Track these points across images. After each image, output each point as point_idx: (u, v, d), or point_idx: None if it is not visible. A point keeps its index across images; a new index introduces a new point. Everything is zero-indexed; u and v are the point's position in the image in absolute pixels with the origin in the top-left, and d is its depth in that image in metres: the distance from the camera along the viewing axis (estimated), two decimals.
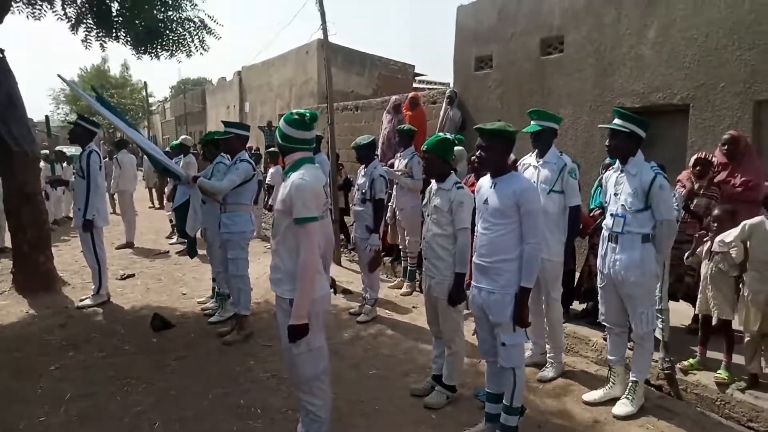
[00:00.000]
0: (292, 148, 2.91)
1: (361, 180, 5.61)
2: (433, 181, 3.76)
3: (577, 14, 6.89)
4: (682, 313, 4.81)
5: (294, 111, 2.98)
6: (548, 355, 4.33)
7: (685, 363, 4.06)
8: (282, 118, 2.96)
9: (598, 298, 3.92)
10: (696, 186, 4.64)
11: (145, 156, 6.26)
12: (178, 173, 5.29)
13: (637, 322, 3.62)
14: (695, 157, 4.68)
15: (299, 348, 2.84)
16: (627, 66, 6.35)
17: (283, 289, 2.87)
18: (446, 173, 3.65)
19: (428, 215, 3.74)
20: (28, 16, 6.31)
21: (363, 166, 5.65)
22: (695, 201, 4.59)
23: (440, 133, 3.82)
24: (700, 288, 4.02)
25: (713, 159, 4.65)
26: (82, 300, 6.08)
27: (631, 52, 6.30)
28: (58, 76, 5.86)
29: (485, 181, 3.28)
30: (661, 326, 4.15)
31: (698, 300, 4.06)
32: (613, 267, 3.60)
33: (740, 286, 3.81)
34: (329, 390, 3.08)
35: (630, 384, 3.74)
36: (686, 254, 4.17)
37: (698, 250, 4.06)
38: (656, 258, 3.56)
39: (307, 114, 2.94)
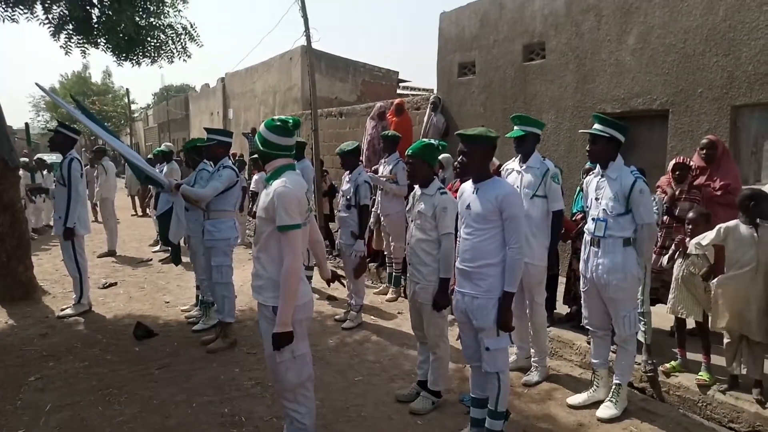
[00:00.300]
0: (274, 154, 2.89)
1: (345, 186, 5.61)
2: (416, 187, 3.77)
3: (558, 21, 6.98)
4: (664, 316, 4.85)
5: (276, 117, 2.95)
6: (533, 359, 4.36)
7: (668, 365, 4.10)
8: (263, 124, 2.93)
9: (581, 301, 3.96)
10: (677, 190, 4.70)
11: (126, 164, 6.20)
12: (160, 181, 5.25)
13: (619, 325, 3.65)
14: (673, 161, 4.74)
15: (283, 355, 2.83)
16: (607, 72, 6.44)
17: (266, 296, 2.85)
18: (430, 178, 3.67)
19: (412, 221, 3.75)
20: (4, 19, 6.22)
21: (347, 172, 5.65)
22: (678, 206, 4.65)
23: (424, 139, 3.84)
24: (671, 289, 4.07)
25: (691, 163, 4.72)
26: (63, 309, 5.99)
27: (611, 59, 6.39)
28: (36, 84, 5.78)
29: (467, 186, 3.29)
30: (643, 329, 4.19)
31: (669, 301, 4.10)
32: (595, 271, 3.64)
33: (711, 287, 3.85)
34: (314, 397, 3.06)
35: (613, 387, 3.77)
36: (665, 257, 4.21)
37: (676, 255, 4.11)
38: (638, 261, 3.61)
39: (290, 120, 2.92)
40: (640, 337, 4.22)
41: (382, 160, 6.75)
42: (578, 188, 5.29)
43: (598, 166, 3.73)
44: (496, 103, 7.92)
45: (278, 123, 2.88)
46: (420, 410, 3.76)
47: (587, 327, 3.93)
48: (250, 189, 9.44)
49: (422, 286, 3.65)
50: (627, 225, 3.54)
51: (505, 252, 3.07)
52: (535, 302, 4.26)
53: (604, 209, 3.59)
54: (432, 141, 3.76)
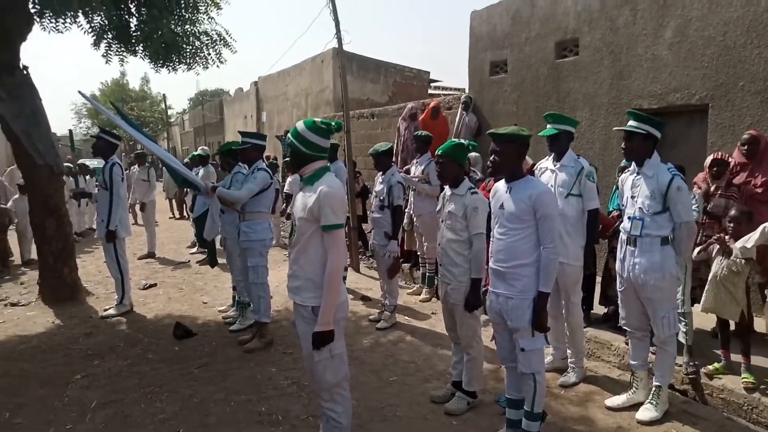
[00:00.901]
0: (313, 156, 2.86)
1: (378, 187, 5.64)
2: (446, 187, 3.76)
3: (592, 16, 6.87)
4: (706, 316, 4.73)
5: (316, 119, 2.94)
6: (570, 360, 4.30)
7: (710, 367, 4.00)
8: (303, 124, 2.88)
9: (618, 302, 3.89)
10: (713, 187, 4.58)
11: (164, 167, 6.35)
12: (197, 184, 5.37)
13: (658, 325, 3.57)
14: (711, 157, 4.63)
15: (321, 354, 2.83)
16: (643, 67, 6.31)
17: (304, 297, 2.85)
18: (460, 178, 3.66)
19: (442, 221, 3.74)
20: (49, 31, 6.47)
21: (380, 173, 5.68)
22: (712, 202, 4.54)
23: (455, 139, 3.83)
24: (707, 287, 3.96)
25: (730, 159, 4.59)
26: (106, 310, 6.18)
27: (647, 53, 6.25)
28: (79, 92, 5.97)
29: (501, 185, 3.27)
30: (684, 330, 4.10)
31: (703, 299, 3.98)
32: (632, 270, 3.57)
33: (765, 292, 3.75)
34: (350, 396, 3.08)
35: (653, 389, 3.69)
36: (698, 249, 4.10)
37: (710, 248, 4.00)
38: (677, 260, 3.53)
39: (333, 123, 2.93)
40: (681, 338, 4.13)
41: (414, 161, 6.75)
42: (614, 186, 5.19)
43: (633, 163, 3.66)
44: (528, 102, 7.84)
45: (321, 125, 2.87)
46: (455, 411, 3.76)
47: (625, 328, 3.85)
48: (284, 191, 9.56)
49: (454, 287, 3.64)
50: (664, 223, 3.46)
51: (540, 252, 3.04)
52: (571, 302, 4.21)
53: (640, 207, 3.51)
54: (462, 140, 3.74)
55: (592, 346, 4.78)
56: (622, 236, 3.69)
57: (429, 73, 18.08)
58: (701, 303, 4.01)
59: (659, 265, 3.46)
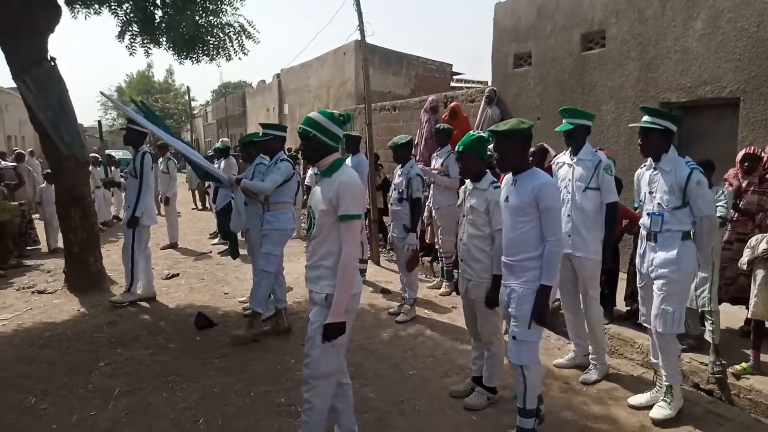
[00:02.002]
0: (333, 147, 2.87)
1: (398, 179, 5.63)
2: (468, 181, 3.71)
3: (619, 8, 6.72)
4: (733, 314, 4.63)
5: (334, 111, 2.94)
6: (591, 356, 4.24)
7: (737, 367, 3.90)
8: (320, 114, 2.87)
9: (638, 298, 3.81)
10: (745, 183, 4.46)
11: (186, 161, 6.39)
12: (219, 177, 5.38)
13: (659, 318, 3.46)
14: (743, 152, 4.51)
15: (323, 342, 2.81)
16: (672, 59, 6.16)
17: (322, 285, 2.84)
18: (482, 173, 3.61)
19: (464, 216, 3.69)
20: (77, 16, 6.56)
21: (399, 165, 5.66)
22: (745, 198, 4.42)
23: (474, 132, 3.79)
24: (756, 293, 3.85)
25: (763, 154, 4.46)
26: (112, 297, 6.25)
27: (676, 45, 6.10)
28: (101, 93, 6.02)
29: (508, 178, 3.24)
30: (711, 328, 4.02)
31: (752, 305, 3.89)
32: (651, 265, 3.53)
33: None
34: (330, 395, 2.97)
35: (665, 388, 3.61)
36: (744, 259, 3.99)
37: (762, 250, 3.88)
38: (697, 256, 3.47)
39: (345, 114, 2.94)
40: (708, 336, 4.06)
41: (435, 153, 6.71)
42: None
43: (650, 159, 3.59)
44: (553, 95, 7.72)
45: (340, 116, 2.87)
46: (475, 406, 3.73)
47: (645, 325, 3.78)
48: (305, 183, 9.60)
49: (475, 283, 3.61)
50: (685, 218, 3.42)
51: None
52: (589, 296, 4.14)
53: (659, 203, 3.46)
54: (482, 133, 3.68)
55: (614, 343, 4.70)
56: (642, 232, 3.64)
57: (451, 65, 17.95)
58: (750, 309, 3.92)
59: (676, 258, 3.40)
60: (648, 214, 3.55)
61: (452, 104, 8.80)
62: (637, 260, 3.70)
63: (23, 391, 4.05)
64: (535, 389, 3.16)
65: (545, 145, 5.30)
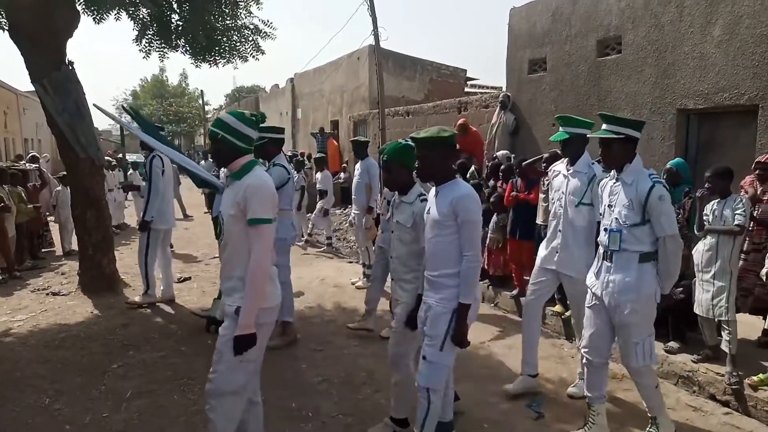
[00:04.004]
0: (245, 149, 2.73)
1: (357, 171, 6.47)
2: (395, 194, 3.44)
3: (636, 13, 6.68)
4: (751, 324, 4.56)
5: (246, 111, 2.82)
6: (579, 371, 4.04)
7: (755, 378, 3.83)
8: (230, 115, 2.75)
9: (583, 320, 3.47)
10: (760, 190, 4.40)
11: (183, 170, 6.22)
12: (215, 184, 5.31)
13: (630, 353, 3.18)
14: (756, 160, 4.45)
15: (234, 356, 2.63)
16: (689, 66, 6.10)
17: (235, 297, 2.67)
18: (410, 184, 3.33)
19: (391, 231, 3.43)
20: (96, 21, 6.63)
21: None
22: (760, 207, 4.35)
23: (401, 140, 3.52)
24: None
25: None
26: (128, 300, 6.30)
27: (694, 51, 6.05)
28: (95, 105, 5.90)
29: (434, 189, 3.00)
30: (728, 338, 3.96)
31: None
32: (605, 288, 3.21)
33: None
34: (238, 418, 2.81)
35: (650, 420, 3.37)
36: (765, 270, 3.91)
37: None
38: (657, 280, 3.13)
39: (258, 115, 2.84)
40: (725, 347, 4.00)
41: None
42: None
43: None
44: (568, 101, 7.68)
45: (252, 117, 2.75)
46: None
47: (582, 351, 3.43)
48: (318, 187, 9.61)
49: (401, 303, 3.32)
50: (644, 237, 3.09)
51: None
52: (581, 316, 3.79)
53: (617, 218, 3.15)
54: (409, 142, 3.32)
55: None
56: (600, 250, 3.33)
57: (466, 71, 17.93)
58: None
59: (634, 284, 3.09)
60: (605, 229, 3.23)
61: (460, 120, 8.75)
62: (590, 278, 3.38)
63: (38, 391, 4.10)
64: (436, 416, 2.94)
65: (558, 151, 5.25)
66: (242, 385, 2.73)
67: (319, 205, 9.57)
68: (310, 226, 10.47)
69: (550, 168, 4.28)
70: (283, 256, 4.98)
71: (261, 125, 5.26)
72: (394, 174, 3.30)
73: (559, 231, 3.87)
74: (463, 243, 2.78)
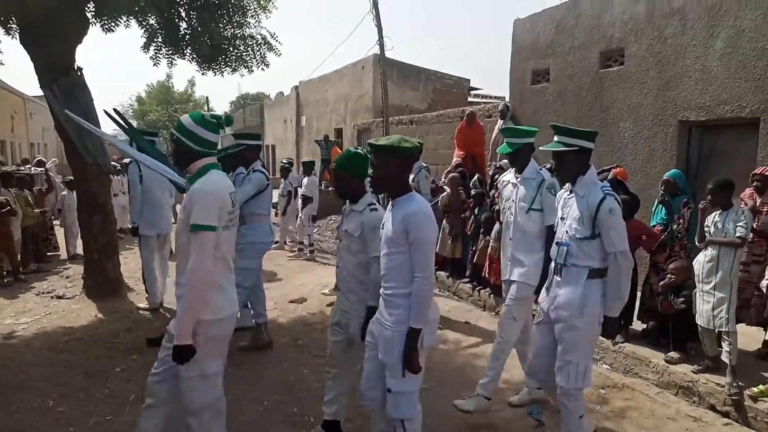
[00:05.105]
0: (202, 152, 2.67)
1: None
2: (347, 203, 3.33)
3: (639, 26, 6.74)
4: (751, 336, 4.58)
5: (203, 113, 2.76)
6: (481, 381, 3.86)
7: (755, 389, 3.85)
8: (189, 117, 2.69)
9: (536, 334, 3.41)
10: (758, 202, 4.43)
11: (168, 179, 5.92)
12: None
13: (562, 372, 3.02)
14: (753, 172, 4.50)
15: (190, 371, 2.59)
16: (692, 78, 6.15)
17: (180, 305, 2.64)
18: (360, 193, 3.22)
19: (340, 240, 3.37)
20: (105, 32, 6.71)
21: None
22: (759, 219, 4.39)
23: (351, 148, 3.44)
24: None
25: None
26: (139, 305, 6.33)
27: (696, 64, 6.10)
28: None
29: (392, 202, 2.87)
30: (728, 349, 3.98)
31: None
32: (552, 303, 3.12)
33: None
34: (221, 427, 2.80)
35: None
36: (766, 281, 3.95)
37: None
38: (603, 300, 2.99)
39: (221, 117, 2.77)
40: (725, 357, 4.02)
41: None
42: (656, 201, 5.08)
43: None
44: (570, 111, 7.74)
45: (211, 118, 2.69)
46: None
47: (528, 375, 3.33)
48: (302, 193, 9.53)
49: (350, 315, 3.22)
50: (593, 253, 2.96)
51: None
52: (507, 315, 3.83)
53: (567, 231, 3.05)
54: (359, 150, 3.30)
55: (629, 362, 4.67)
56: (552, 264, 3.22)
57: (469, 80, 18.03)
58: None
59: (579, 301, 2.96)
60: (557, 243, 3.14)
61: (469, 110, 8.83)
62: (542, 294, 3.28)
63: (42, 393, 4.13)
64: None
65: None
66: (213, 400, 2.71)
67: (305, 211, 9.48)
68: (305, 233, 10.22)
69: (499, 179, 4.21)
70: (251, 260, 4.87)
71: (236, 133, 5.05)
72: (343, 182, 3.22)
73: (510, 239, 3.83)
74: (415, 263, 2.60)
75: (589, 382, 3.04)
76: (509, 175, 3.98)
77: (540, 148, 3.44)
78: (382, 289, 2.77)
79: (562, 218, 3.12)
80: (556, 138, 3.07)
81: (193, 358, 2.56)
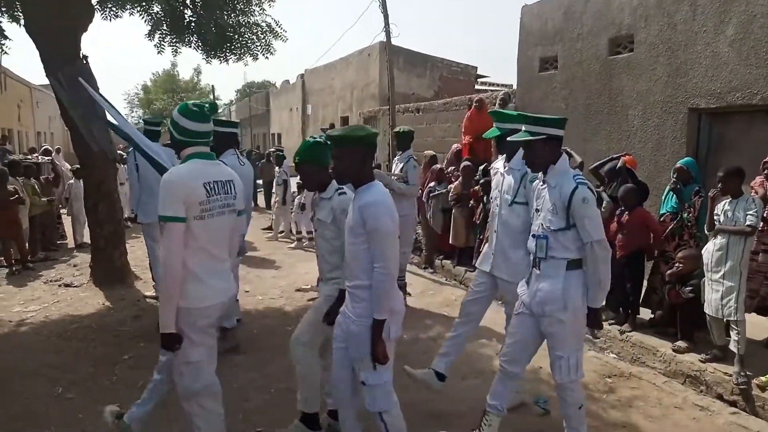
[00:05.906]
0: (188, 142, 2.70)
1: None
2: (315, 193, 3.35)
3: (648, 12, 6.64)
4: (759, 325, 4.55)
5: (191, 102, 2.79)
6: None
7: (763, 378, 3.83)
8: (176, 110, 2.75)
9: (508, 329, 3.43)
10: None
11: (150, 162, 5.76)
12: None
13: (555, 368, 3.00)
14: (764, 161, 4.44)
15: (177, 358, 2.70)
16: (702, 65, 6.07)
17: None
18: (327, 181, 3.18)
19: (315, 230, 3.36)
20: (110, 19, 6.70)
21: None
22: None
23: (310, 138, 3.36)
24: None
25: None
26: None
27: (707, 50, 6.01)
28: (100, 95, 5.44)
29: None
30: (736, 338, 3.96)
31: None
32: (533, 297, 3.01)
33: None
34: (216, 412, 2.85)
35: None
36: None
37: None
38: (584, 290, 2.93)
39: (206, 105, 2.79)
40: (733, 346, 4.00)
41: (395, 158, 6.38)
42: (667, 188, 5.03)
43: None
44: (578, 99, 7.66)
45: (195, 108, 2.72)
46: None
47: (500, 358, 3.27)
48: (297, 182, 9.42)
49: (326, 299, 3.22)
50: (569, 244, 2.89)
51: None
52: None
53: (542, 223, 2.97)
54: (319, 139, 3.25)
55: (637, 352, 4.66)
56: (530, 257, 3.12)
57: (476, 68, 17.92)
58: None
59: (560, 294, 2.90)
60: (533, 236, 3.05)
61: (477, 97, 8.75)
62: (522, 287, 3.17)
63: (51, 380, 4.16)
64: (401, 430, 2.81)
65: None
66: (203, 385, 2.76)
67: (297, 200, 9.50)
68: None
69: (491, 166, 4.08)
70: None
71: (215, 119, 4.85)
72: (307, 173, 3.23)
73: (495, 232, 3.64)
74: (373, 253, 2.57)
75: (582, 374, 3.02)
76: (499, 164, 3.79)
77: (508, 139, 3.35)
78: (346, 282, 2.77)
79: (537, 210, 3.05)
80: (523, 127, 3.00)
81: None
